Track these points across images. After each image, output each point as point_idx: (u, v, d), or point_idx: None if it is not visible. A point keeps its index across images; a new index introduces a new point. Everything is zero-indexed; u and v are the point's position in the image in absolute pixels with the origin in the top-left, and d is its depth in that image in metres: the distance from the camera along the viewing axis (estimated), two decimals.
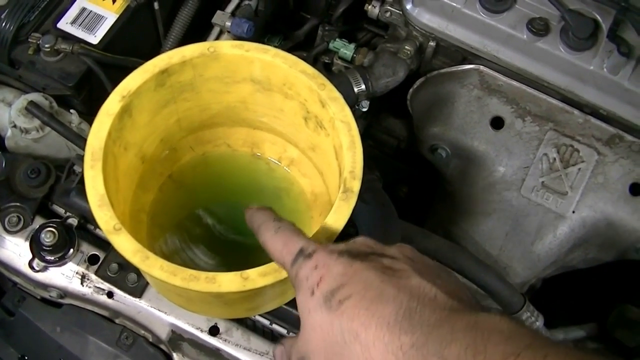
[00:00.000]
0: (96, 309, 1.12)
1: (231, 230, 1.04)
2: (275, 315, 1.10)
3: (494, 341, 0.54)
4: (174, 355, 1.09)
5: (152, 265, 0.75)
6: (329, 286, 0.62)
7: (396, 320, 0.57)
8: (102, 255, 1.12)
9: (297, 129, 0.98)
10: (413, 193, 1.44)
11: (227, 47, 0.89)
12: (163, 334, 1.10)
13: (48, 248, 1.10)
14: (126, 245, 0.76)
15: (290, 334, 1.10)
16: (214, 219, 1.05)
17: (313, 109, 0.91)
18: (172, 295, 0.96)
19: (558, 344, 0.54)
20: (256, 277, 0.74)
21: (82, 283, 1.12)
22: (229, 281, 0.74)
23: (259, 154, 1.08)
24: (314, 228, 0.99)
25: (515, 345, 0.53)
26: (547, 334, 1.23)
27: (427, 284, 0.61)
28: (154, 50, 1.34)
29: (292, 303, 0.98)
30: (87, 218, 1.16)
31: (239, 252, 1.02)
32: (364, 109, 1.28)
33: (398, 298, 0.59)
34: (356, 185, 0.81)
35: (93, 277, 1.11)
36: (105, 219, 0.77)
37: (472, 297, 0.65)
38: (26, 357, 1.14)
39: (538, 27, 1.20)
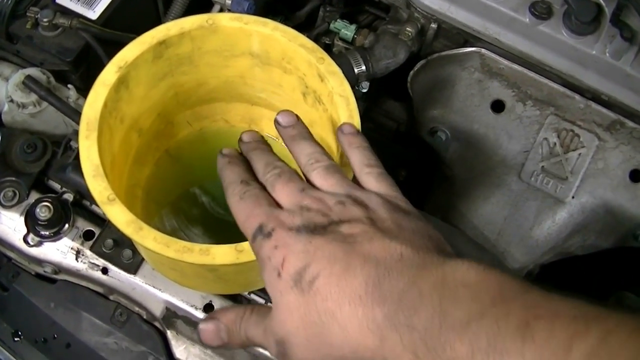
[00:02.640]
0: (90, 285, 1.12)
1: (227, 211, 1.03)
2: None
3: (460, 300, 0.54)
4: (168, 332, 1.08)
5: (146, 237, 0.74)
6: (295, 267, 0.62)
7: (367, 292, 0.58)
8: (97, 231, 1.12)
9: (296, 105, 0.97)
10: (412, 177, 1.43)
11: (226, 20, 0.88)
12: (157, 311, 1.09)
13: (43, 223, 1.09)
14: (120, 216, 0.75)
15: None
16: (210, 198, 1.04)
17: (312, 84, 0.90)
18: (166, 270, 0.95)
19: (528, 288, 0.54)
20: (251, 249, 0.73)
21: (76, 259, 1.11)
22: (223, 253, 0.74)
23: (256, 130, 1.07)
24: None
25: (481, 303, 0.53)
26: None
27: (391, 243, 0.61)
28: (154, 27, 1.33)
29: None
30: (82, 194, 1.15)
31: (236, 232, 1.02)
32: (364, 90, 1.27)
33: (365, 268, 0.59)
34: None
35: (88, 252, 1.11)
36: (99, 190, 0.76)
37: (438, 238, 0.65)
38: (19, 332, 1.13)
39: (540, 11, 1.19)
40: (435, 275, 0.57)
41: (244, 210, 0.70)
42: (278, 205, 0.69)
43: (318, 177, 0.72)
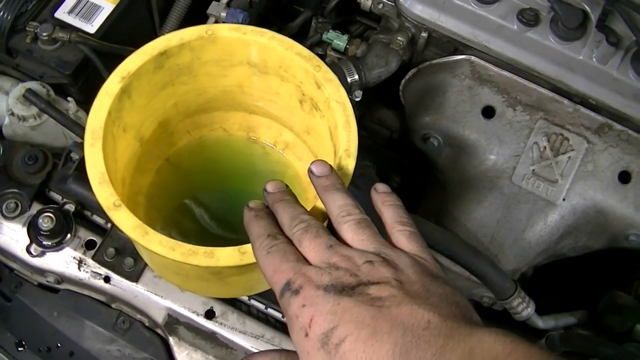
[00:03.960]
0: (93, 294, 1.14)
1: (221, 225, 1.04)
2: (270, 299, 1.12)
3: None
4: (170, 339, 1.10)
5: (152, 240, 0.76)
6: (322, 328, 0.61)
7: (393, 359, 0.57)
8: (99, 241, 1.14)
9: (293, 112, 0.99)
10: (405, 183, 1.46)
11: (225, 30, 0.91)
12: (159, 318, 1.11)
13: (45, 233, 1.11)
14: (126, 220, 0.77)
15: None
16: (207, 211, 1.06)
17: (308, 91, 0.92)
18: (170, 274, 0.97)
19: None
20: None
21: (79, 268, 1.13)
22: (227, 256, 0.76)
23: (254, 138, 1.09)
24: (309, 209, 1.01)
25: None
26: (538, 321, 1.25)
27: (419, 309, 0.60)
28: (150, 41, 1.36)
29: None
30: (84, 204, 1.17)
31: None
32: (357, 99, 1.29)
33: (392, 335, 0.59)
34: (351, 163, 0.82)
35: (90, 262, 1.13)
36: (105, 196, 0.78)
37: (466, 306, 0.64)
38: (23, 342, 1.15)
39: (528, 18, 1.23)
40: (463, 347, 0.57)
41: (271, 264, 0.68)
42: (306, 260, 0.68)
43: (349, 231, 0.70)
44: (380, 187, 0.78)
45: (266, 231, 0.72)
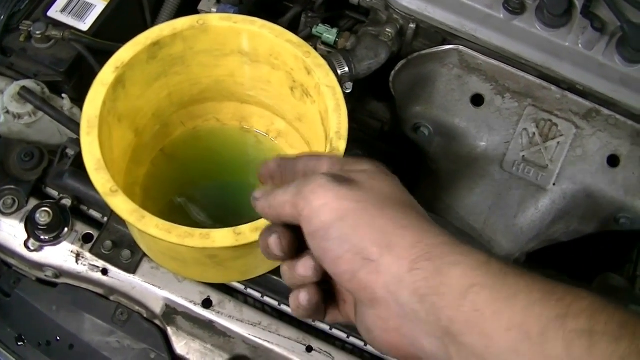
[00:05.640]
0: (91, 287, 1.14)
1: (219, 218, 1.06)
2: (266, 287, 1.12)
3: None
4: (169, 329, 1.11)
5: (148, 224, 0.78)
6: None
7: None
8: (95, 234, 1.15)
9: (284, 100, 1.01)
10: (397, 174, 1.47)
11: (216, 20, 0.93)
12: (157, 308, 1.12)
13: (43, 227, 1.12)
14: (123, 205, 0.79)
15: None
16: (202, 204, 1.07)
17: (299, 78, 0.94)
18: (167, 260, 0.99)
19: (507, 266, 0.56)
20: (248, 232, 0.77)
21: (77, 261, 1.14)
22: (223, 237, 0.77)
23: (247, 128, 1.11)
24: None
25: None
26: None
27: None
28: None
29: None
30: (80, 199, 1.18)
31: None
32: (348, 91, 1.31)
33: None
34: (342, 145, 0.84)
35: (87, 255, 1.14)
36: (102, 182, 0.80)
37: None
38: (23, 336, 1.15)
39: (514, 6, 1.24)
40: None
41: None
42: None
43: None
44: None
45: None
